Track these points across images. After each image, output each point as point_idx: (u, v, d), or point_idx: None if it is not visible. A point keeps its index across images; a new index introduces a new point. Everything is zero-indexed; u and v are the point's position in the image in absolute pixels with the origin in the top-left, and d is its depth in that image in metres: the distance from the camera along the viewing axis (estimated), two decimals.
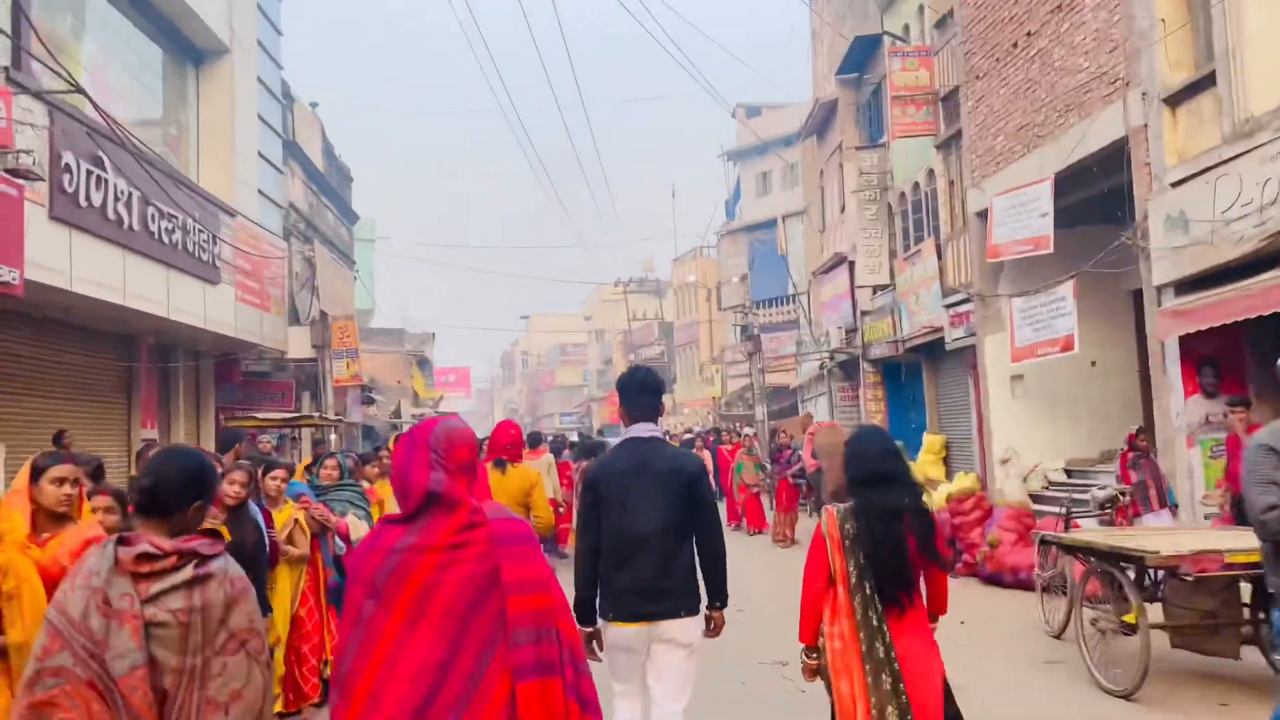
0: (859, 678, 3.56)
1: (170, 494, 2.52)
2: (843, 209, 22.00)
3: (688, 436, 19.88)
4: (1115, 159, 11.35)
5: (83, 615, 2.35)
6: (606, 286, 67.88)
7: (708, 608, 4.14)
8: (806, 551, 3.89)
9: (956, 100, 15.76)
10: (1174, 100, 10.09)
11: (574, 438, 24.04)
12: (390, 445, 8.59)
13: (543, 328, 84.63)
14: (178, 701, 2.39)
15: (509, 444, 6.20)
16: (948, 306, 16.08)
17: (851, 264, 20.73)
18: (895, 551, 3.58)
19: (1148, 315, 11.90)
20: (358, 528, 6.34)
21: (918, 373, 18.77)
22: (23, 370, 10.83)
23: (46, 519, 3.71)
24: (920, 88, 16.71)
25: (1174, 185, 10.02)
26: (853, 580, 3.61)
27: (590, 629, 4.03)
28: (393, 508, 7.49)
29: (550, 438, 19.05)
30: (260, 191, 16.76)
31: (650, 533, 3.93)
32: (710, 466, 16.22)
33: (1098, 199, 13.02)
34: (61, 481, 3.70)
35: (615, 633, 4.02)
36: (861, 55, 20.36)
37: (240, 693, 2.44)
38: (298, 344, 17.84)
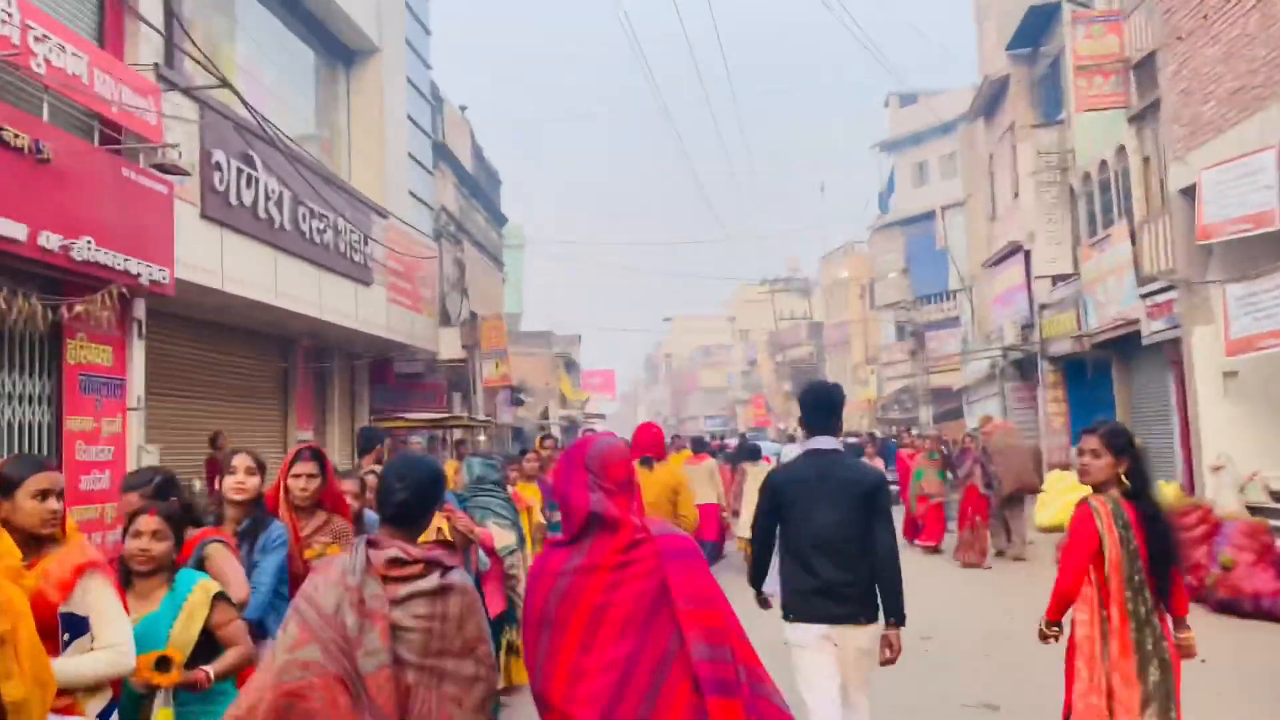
0: (1122, 667, 3.64)
1: (421, 505, 2.64)
2: (1016, 194, 20.37)
3: (853, 441, 18.56)
4: None
5: (335, 610, 2.45)
6: (751, 286, 66.82)
7: (885, 626, 4.11)
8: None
9: (1152, 67, 14.14)
10: None
11: (732, 441, 23.30)
12: (537, 447, 7.97)
13: (686, 328, 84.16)
14: (419, 697, 2.49)
15: (651, 443, 6.34)
16: (1144, 296, 14.45)
17: (1027, 253, 19.13)
18: (1173, 547, 3.81)
19: None
20: (501, 537, 5.70)
21: (1106, 371, 17.06)
22: (178, 371, 10.82)
23: (23, 542, 2.91)
24: (1109, 55, 15.11)
25: None
26: (1125, 570, 3.71)
27: (761, 595, 4.48)
28: (540, 515, 6.97)
29: (708, 437, 18.28)
30: (411, 193, 16.68)
31: (832, 539, 4.07)
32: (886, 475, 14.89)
33: None
34: (44, 495, 2.96)
35: (796, 631, 4.12)
36: (1036, 26, 18.77)
37: (473, 690, 2.53)
38: (448, 345, 17.69)
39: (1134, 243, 15.02)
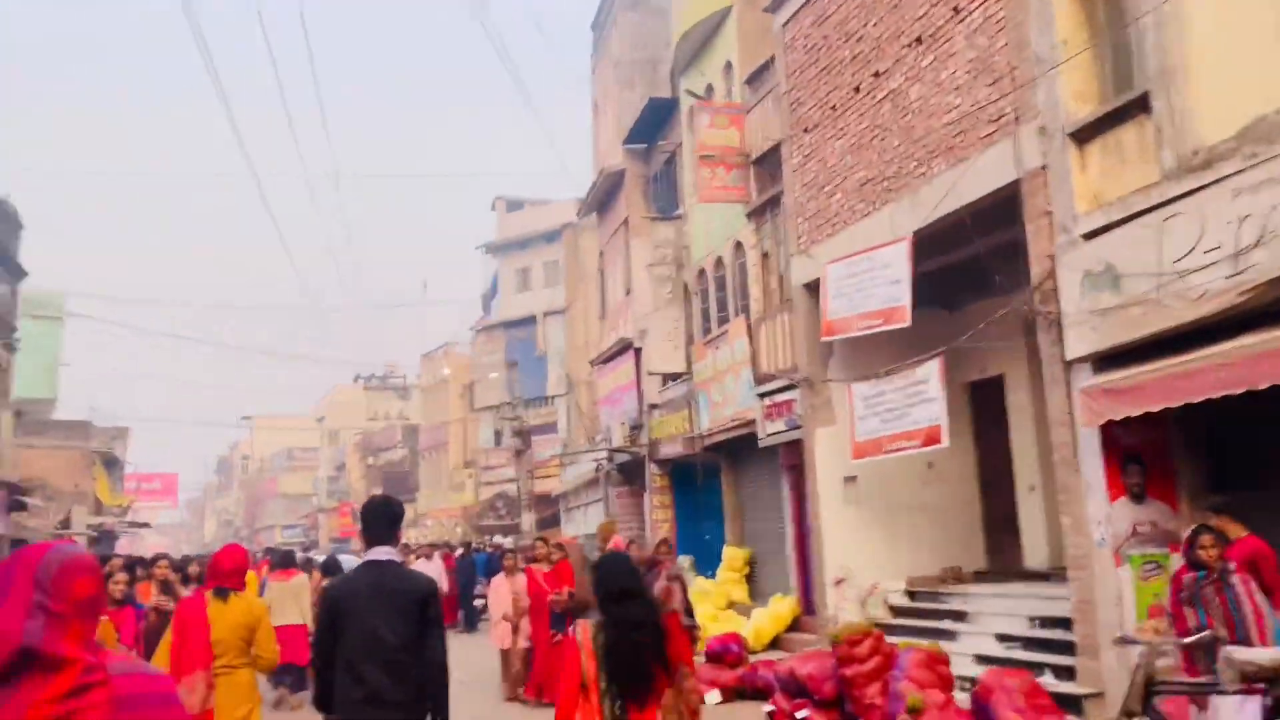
0: None
1: None
2: (628, 290, 19.55)
3: (453, 552, 15.64)
4: (997, 211, 9.42)
5: None
6: (344, 386, 62.56)
7: None
8: None
9: (774, 162, 13.77)
10: (1083, 135, 8.23)
11: (316, 557, 19.65)
12: None
13: (268, 428, 76.77)
14: None
15: (231, 570, 5.58)
16: (762, 395, 13.72)
17: (638, 351, 18.19)
18: (638, 658, 3.93)
19: (1043, 398, 10.04)
20: None
21: (716, 475, 16.24)
22: None
23: None
24: (730, 148, 14.66)
25: (1089, 236, 8.07)
26: (603, 685, 3.91)
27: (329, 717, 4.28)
28: None
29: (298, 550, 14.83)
30: None
31: (383, 648, 4.15)
32: (522, 599, 10.89)
33: (927, 276, 11.12)
34: None
35: None
36: (654, 121, 18.33)
37: None
38: None
39: (751, 340, 14.40)
